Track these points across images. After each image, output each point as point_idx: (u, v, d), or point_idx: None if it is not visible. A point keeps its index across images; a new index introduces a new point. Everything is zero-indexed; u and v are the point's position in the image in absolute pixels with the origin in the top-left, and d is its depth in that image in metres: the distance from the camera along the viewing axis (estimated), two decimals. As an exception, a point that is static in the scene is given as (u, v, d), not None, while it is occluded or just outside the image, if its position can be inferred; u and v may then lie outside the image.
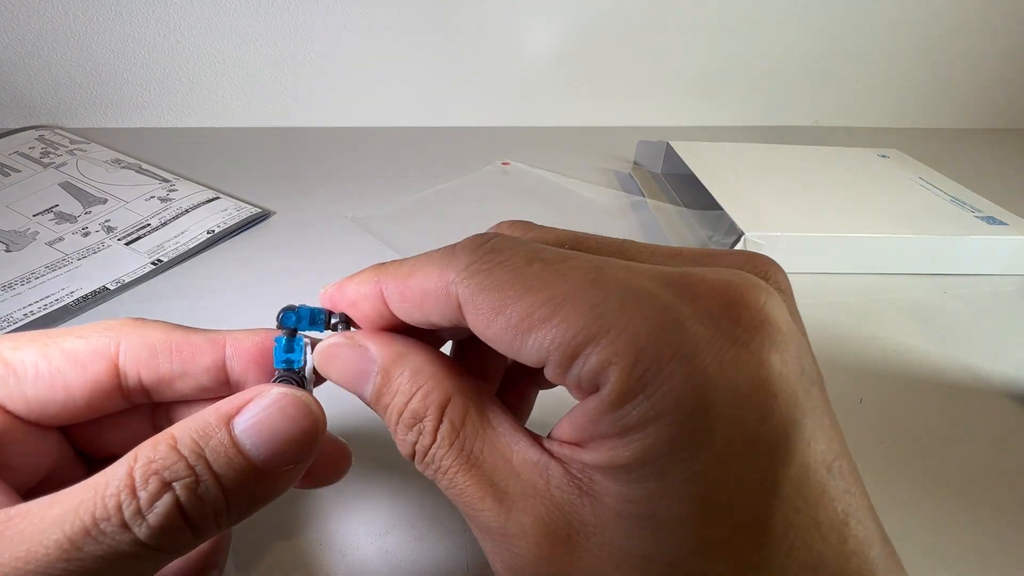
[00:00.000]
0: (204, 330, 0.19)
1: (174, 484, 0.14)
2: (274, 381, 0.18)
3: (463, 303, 0.15)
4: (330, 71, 0.64)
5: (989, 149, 0.75)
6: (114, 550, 0.13)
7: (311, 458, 0.16)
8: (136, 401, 0.19)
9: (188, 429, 0.15)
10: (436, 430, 0.16)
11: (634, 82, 0.71)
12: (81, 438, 0.19)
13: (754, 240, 0.43)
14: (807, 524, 0.12)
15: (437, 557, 0.24)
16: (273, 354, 0.18)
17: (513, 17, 0.65)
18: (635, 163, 0.61)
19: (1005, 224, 0.47)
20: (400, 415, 0.16)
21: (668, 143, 0.57)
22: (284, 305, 0.18)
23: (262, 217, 0.47)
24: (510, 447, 0.15)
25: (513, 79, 0.69)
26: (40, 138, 0.56)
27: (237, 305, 0.38)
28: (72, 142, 0.56)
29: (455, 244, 0.16)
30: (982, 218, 0.48)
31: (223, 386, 0.19)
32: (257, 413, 0.15)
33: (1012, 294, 0.45)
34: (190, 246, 0.42)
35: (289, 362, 0.18)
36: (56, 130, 0.58)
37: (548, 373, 0.14)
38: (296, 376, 0.18)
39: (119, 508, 0.13)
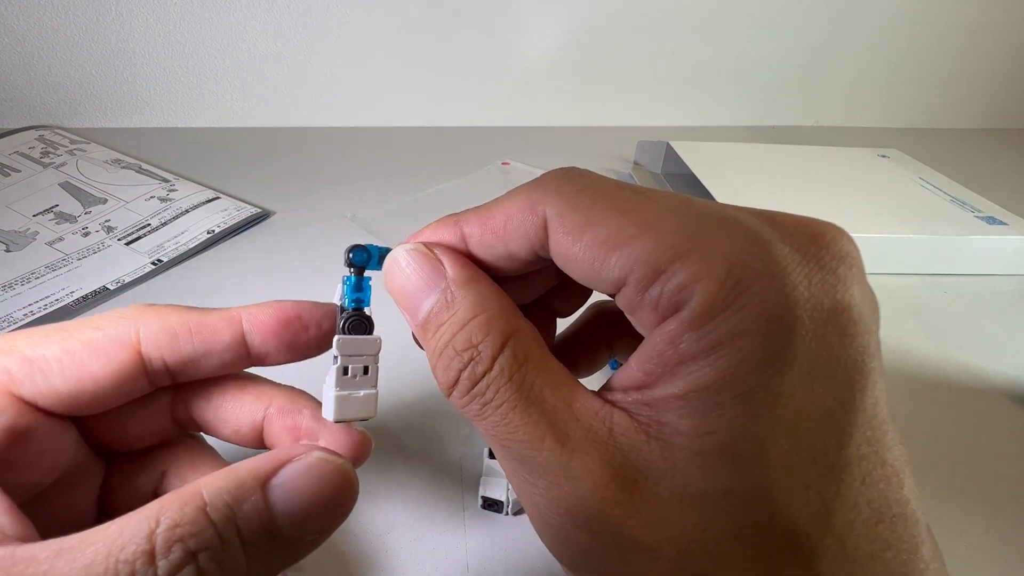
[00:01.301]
0: (217, 309, 0.19)
1: (199, 555, 0.13)
2: (343, 324, 0.18)
3: (551, 221, 0.15)
4: (330, 71, 0.64)
5: (989, 149, 0.75)
6: None
7: (335, 528, 0.15)
8: (161, 384, 0.19)
9: (221, 491, 0.13)
10: (495, 358, 0.15)
11: (634, 82, 0.71)
12: (102, 430, 0.19)
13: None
14: (875, 461, 0.13)
15: (437, 557, 0.24)
16: (343, 293, 0.18)
17: (513, 17, 0.65)
18: (635, 163, 0.61)
19: (1005, 224, 0.47)
20: (453, 335, 0.15)
21: (668, 143, 0.57)
22: (352, 244, 0.18)
23: (262, 217, 0.47)
24: (571, 393, 0.15)
25: (513, 79, 0.69)
26: (40, 138, 0.56)
27: (237, 305, 0.38)
28: (72, 142, 0.56)
29: (541, 175, 0.16)
30: (982, 218, 0.48)
31: (244, 360, 0.19)
32: (295, 477, 0.14)
33: (1012, 294, 0.45)
34: (190, 246, 0.42)
35: (359, 301, 0.18)
36: (56, 130, 0.58)
37: (625, 296, 0.14)
38: (365, 318, 0.18)
39: (133, 575, 0.12)
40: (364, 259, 0.18)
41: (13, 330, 0.33)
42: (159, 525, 0.13)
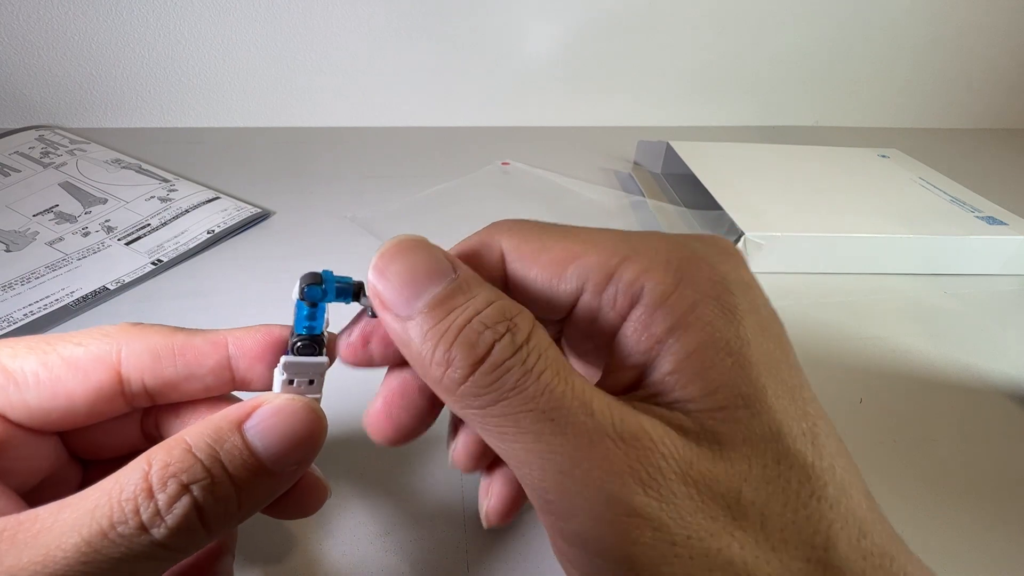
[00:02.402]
0: (203, 331, 0.19)
1: (192, 486, 0.14)
2: (292, 347, 0.18)
3: (508, 252, 0.17)
4: (330, 71, 0.64)
5: (989, 149, 0.75)
6: (131, 552, 0.13)
7: (313, 458, 0.17)
8: (138, 405, 0.19)
9: (202, 434, 0.15)
10: (531, 331, 0.14)
11: (634, 82, 0.71)
12: (74, 441, 0.19)
13: (754, 240, 0.43)
14: (810, 394, 0.15)
15: (437, 557, 0.24)
16: (294, 318, 0.18)
17: (513, 17, 0.65)
18: (635, 163, 0.61)
19: (1005, 224, 0.47)
20: (478, 312, 0.15)
21: (668, 143, 0.57)
22: (307, 272, 0.17)
23: (262, 217, 0.47)
24: (591, 391, 0.15)
25: (513, 79, 0.69)
26: (40, 138, 0.56)
27: (237, 305, 0.38)
28: (72, 142, 0.56)
29: (487, 225, 0.18)
30: (982, 218, 0.48)
31: (227, 384, 0.19)
32: (267, 417, 0.16)
33: (1012, 294, 0.45)
34: (190, 246, 0.42)
35: (311, 328, 0.18)
36: (56, 130, 0.58)
37: (583, 305, 0.16)
38: (316, 341, 0.18)
39: (136, 511, 0.13)
40: (318, 296, 0.17)
41: (12, 330, 0.34)
42: (151, 467, 0.14)
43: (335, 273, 0.18)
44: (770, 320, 0.16)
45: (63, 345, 0.17)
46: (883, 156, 0.59)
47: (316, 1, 0.60)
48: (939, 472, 0.30)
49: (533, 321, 0.15)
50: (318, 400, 0.18)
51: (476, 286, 0.15)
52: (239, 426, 0.15)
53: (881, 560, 0.14)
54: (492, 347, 0.14)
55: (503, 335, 0.14)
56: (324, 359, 0.18)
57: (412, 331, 0.15)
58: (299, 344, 0.18)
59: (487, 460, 0.19)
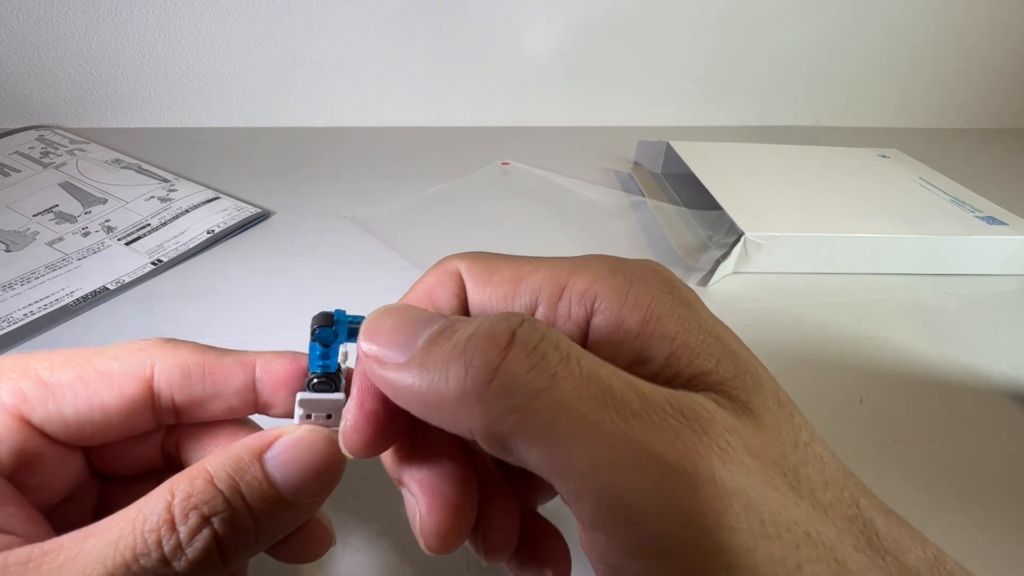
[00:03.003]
0: (233, 351, 0.19)
1: (213, 519, 0.14)
2: (308, 383, 0.18)
3: (465, 273, 0.18)
4: (330, 71, 0.64)
5: (989, 149, 0.75)
6: None
7: (331, 490, 0.17)
8: (165, 422, 0.19)
9: (223, 464, 0.15)
10: (547, 331, 0.13)
11: (634, 82, 0.71)
12: (96, 457, 0.19)
13: (754, 240, 0.43)
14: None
15: (437, 557, 0.24)
16: (309, 358, 0.18)
17: (513, 17, 0.65)
18: (635, 163, 0.61)
19: (1005, 224, 0.47)
20: (482, 324, 0.13)
21: (668, 143, 0.57)
22: (319, 312, 0.18)
23: (262, 217, 0.47)
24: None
25: (513, 79, 0.69)
26: (40, 138, 0.56)
27: (237, 305, 0.38)
28: (72, 142, 0.56)
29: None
30: (982, 218, 0.48)
31: (251, 406, 0.19)
32: (287, 448, 0.16)
33: (1012, 294, 0.45)
34: (190, 246, 0.42)
35: (325, 367, 0.18)
36: (56, 130, 0.58)
37: (539, 315, 0.17)
38: (331, 378, 0.18)
39: (159, 543, 0.13)
40: (329, 338, 0.18)
41: (13, 330, 0.34)
42: (174, 497, 0.14)
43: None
44: (701, 304, 0.17)
45: (99, 359, 0.17)
46: (883, 156, 0.59)
47: (316, 1, 0.60)
48: (939, 472, 0.30)
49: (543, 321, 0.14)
50: (336, 433, 0.17)
51: (474, 317, 0.15)
52: (259, 456, 0.15)
53: (876, 497, 0.14)
54: (513, 333, 0.13)
55: (520, 323, 0.13)
56: (340, 396, 0.18)
57: (415, 368, 0.14)
58: (315, 381, 0.18)
59: (386, 440, 0.16)
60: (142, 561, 0.13)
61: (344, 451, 0.16)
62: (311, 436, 0.16)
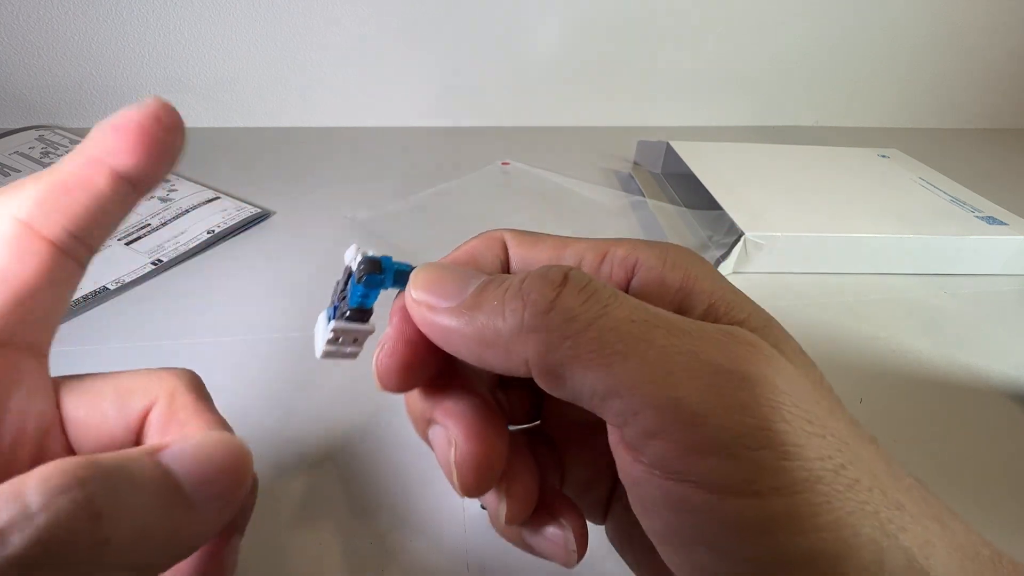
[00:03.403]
0: (64, 163, 0.15)
1: (61, 496, 0.11)
2: (341, 314, 0.18)
3: (509, 241, 0.18)
4: (330, 71, 0.64)
5: (989, 149, 0.75)
6: None
7: (237, 497, 0.14)
8: (83, 257, 0.17)
9: (109, 455, 0.12)
10: (592, 277, 0.14)
11: (634, 82, 0.71)
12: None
13: (754, 240, 0.43)
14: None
15: (437, 557, 0.24)
16: (349, 293, 0.18)
17: (514, 17, 0.65)
18: (635, 163, 0.61)
19: (1005, 224, 0.47)
20: (529, 274, 0.14)
21: (668, 143, 0.57)
22: (367, 257, 0.17)
23: (262, 217, 0.47)
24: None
25: (513, 79, 0.69)
26: (40, 138, 0.56)
27: (237, 305, 0.38)
28: (72, 142, 0.56)
29: None
30: (982, 218, 0.48)
31: (131, 192, 0.16)
32: (184, 445, 0.14)
33: (1012, 294, 0.45)
34: (190, 246, 0.42)
35: (363, 304, 0.18)
36: (56, 130, 0.58)
37: (585, 267, 0.18)
38: (365, 313, 0.18)
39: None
40: (378, 282, 0.17)
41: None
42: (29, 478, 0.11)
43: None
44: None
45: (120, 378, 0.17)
46: (883, 156, 0.59)
47: (316, 1, 0.60)
48: (939, 472, 0.30)
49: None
50: (356, 354, 0.18)
51: (518, 273, 0.15)
52: (153, 454, 0.13)
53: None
54: (567, 274, 0.14)
55: (570, 268, 0.14)
56: (372, 326, 0.18)
57: (468, 311, 0.14)
58: (349, 312, 0.18)
59: (420, 376, 0.17)
60: None
61: (376, 383, 0.16)
62: (211, 436, 0.14)
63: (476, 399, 0.17)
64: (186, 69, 0.61)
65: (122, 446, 0.17)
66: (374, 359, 0.16)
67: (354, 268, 0.17)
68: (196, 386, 0.18)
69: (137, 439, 0.17)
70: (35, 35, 0.57)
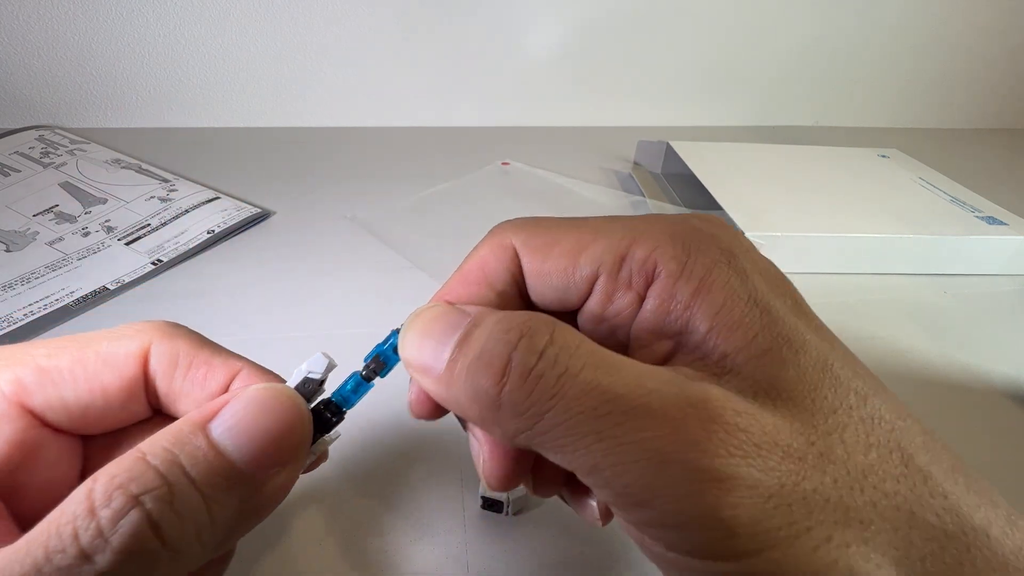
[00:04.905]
0: (228, 354, 0.18)
1: (143, 497, 0.12)
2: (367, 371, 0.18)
3: (520, 248, 0.18)
4: (330, 71, 0.64)
5: (989, 149, 0.75)
6: None
7: (299, 460, 0.15)
8: (161, 410, 0.18)
9: (157, 440, 0.13)
10: (551, 333, 0.14)
11: (634, 82, 0.71)
12: (92, 455, 0.18)
13: (754, 240, 0.43)
14: (827, 328, 0.17)
15: (437, 557, 0.24)
16: (385, 344, 0.18)
17: (514, 17, 0.65)
18: (635, 163, 0.61)
19: (1005, 224, 0.47)
20: (497, 327, 0.15)
21: (668, 143, 0.57)
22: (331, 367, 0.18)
23: (262, 217, 0.47)
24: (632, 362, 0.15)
25: (513, 79, 0.69)
26: (40, 138, 0.56)
27: (237, 305, 0.38)
28: (72, 142, 0.56)
29: (493, 227, 0.19)
30: (982, 218, 0.48)
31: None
32: (235, 413, 0.14)
33: (1012, 294, 0.45)
34: (190, 246, 0.42)
35: (387, 357, 0.18)
36: (56, 130, 0.58)
37: (600, 288, 0.17)
38: (377, 371, 0.18)
39: (75, 535, 0.11)
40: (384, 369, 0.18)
41: (12, 330, 0.34)
42: (96, 482, 0.12)
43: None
44: (778, 278, 0.17)
45: (97, 342, 0.17)
46: (883, 156, 0.59)
47: (316, 1, 0.60)
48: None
49: (552, 322, 0.14)
50: (292, 389, 0.17)
51: (488, 315, 0.15)
52: (203, 427, 0.13)
53: (949, 455, 0.14)
54: (509, 358, 0.14)
55: (517, 342, 0.14)
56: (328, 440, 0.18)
57: (444, 386, 0.15)
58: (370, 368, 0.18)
59: (445, 410, 0.18)
60: (56, 559, 0.11)
61: (412, 415, 0.17)
62: (262, 394, 0.14)
63: None
64: (186, 69, 0.61)
65: (117, 405, 0.17)
66: (407, 398, 0.18)
67: (319, 376, 0.17)
68: (177, 326, 0.18)
69: (129, 391, 0.17)
70: (35, 35, 0.57)
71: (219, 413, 0.14)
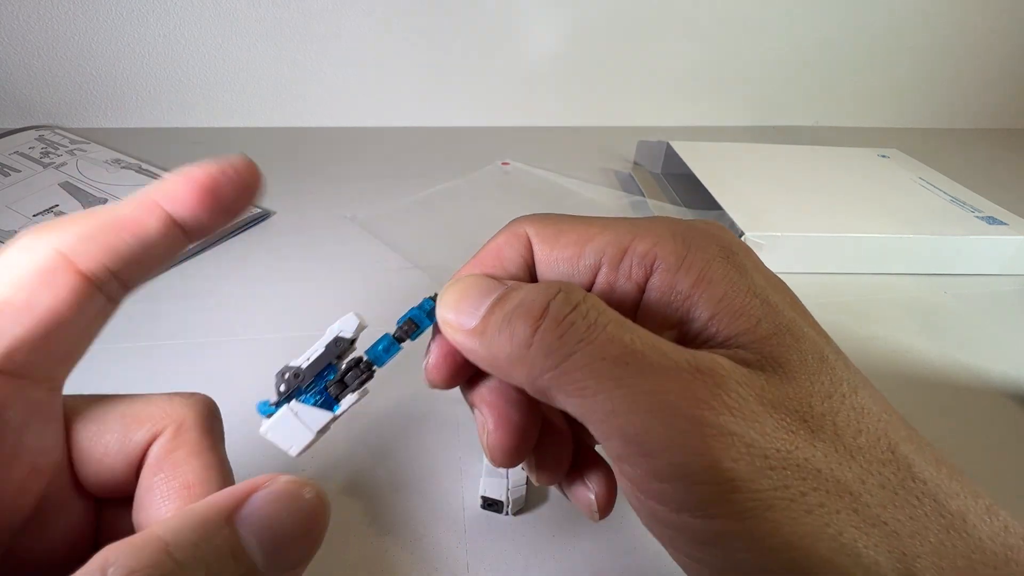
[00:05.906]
0: (124, 203, 0.16)
1: None
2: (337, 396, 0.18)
3: (533, 236, 0.19)
4: (330, 71, 0.64)
5: (989, 149, 0.75)
6: None
7: (311, 557, 0.14)
8: (118, 297, 0.17)
9: (182, 529, 0.12)
10: (581, 301, 0.15)
11: (634, 82, 0.71)
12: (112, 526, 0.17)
13: (754, 240, 0.43)
14: (819, 325, 0.18)
15: (437, 557, 0.24)
16: (419, 308, 0.19)
17: (514, 17, 0.65)
18: (635, 163, 0.61)
19: (1005, 224, 0.47)
20: (532, 290, 0.16)
21: (668, 143, 0.57)
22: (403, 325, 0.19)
23: (262, 217, 0.47)
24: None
25: (513, 79, 0.69)
26: (40, 138, 0.56)
27: (237, 305, 0.38)
28: (72, 142, 0.56)
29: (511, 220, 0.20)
30: (982, 218, 0.48)
31: (182, 240, 0.16)
32: (264, 505, 0.13)
33: (1012, 294, 0.45)
34: (190, 246, 0.42)
35: (420, 319, 0.19)
36: (56, 130, 0.58)
37: (603, 278, 0.18)
38: (409, 333, 0.19)
39: None
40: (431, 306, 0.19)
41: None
42: (110, 565, 0.10)
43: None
44: (775, 278, 0.18)
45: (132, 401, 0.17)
46: (883, 156, 0.59)
47: (316, 1, 0.60)
48: (939, 472, 0.30)
49: (583, 290, 0.16)
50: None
51: (523, 285, 0.17)
52: (230, 517, 0.12)
53: (931, 450, 0.16)
54: (547, 306, 0.15)
55: (555, 295, 0.15)
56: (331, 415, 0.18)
57: (477, 336, 0.16)
58: (400, 331, 0.19)
59: (461, 376, 0.19)
60: None
61: (426, 382, 0.18)
62: (291, 487, 0.13)
63: (511, 391, 0.19)
64: (186, 69, 0.61)
65: (122, 480, 0.16)
66: (423, 364, 0.19)
67: (350, 335, 0.18)
68: (206, 418, 0.17)
69: (136, 471, 0.16)
70: (35, 35, 0.57)
71: (247, 502, 0.13)
